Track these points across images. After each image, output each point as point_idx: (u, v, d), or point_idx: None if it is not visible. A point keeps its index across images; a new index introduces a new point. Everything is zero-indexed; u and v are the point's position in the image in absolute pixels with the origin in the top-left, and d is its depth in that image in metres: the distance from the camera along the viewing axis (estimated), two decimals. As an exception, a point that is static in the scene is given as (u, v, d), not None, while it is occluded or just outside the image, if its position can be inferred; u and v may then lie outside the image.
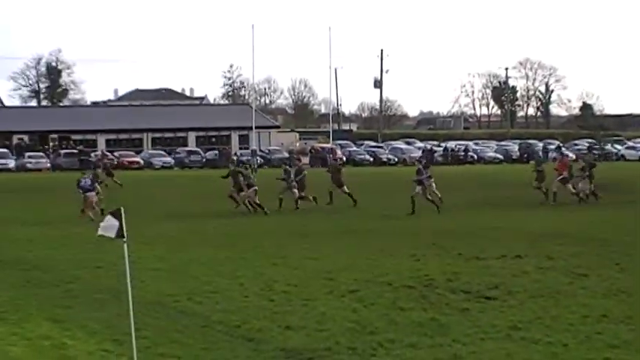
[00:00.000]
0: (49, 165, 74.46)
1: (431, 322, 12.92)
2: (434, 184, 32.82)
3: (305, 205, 32.97)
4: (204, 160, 78.56)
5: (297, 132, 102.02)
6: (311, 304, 14.34)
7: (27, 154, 76.36)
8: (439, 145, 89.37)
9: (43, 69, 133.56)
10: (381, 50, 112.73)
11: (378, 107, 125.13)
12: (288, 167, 35.38)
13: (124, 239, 10.48)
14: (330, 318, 13.25)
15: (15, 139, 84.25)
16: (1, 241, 23.37)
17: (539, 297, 14.66)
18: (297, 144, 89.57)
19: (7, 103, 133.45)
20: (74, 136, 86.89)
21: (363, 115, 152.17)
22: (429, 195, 31.40)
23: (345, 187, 34.33)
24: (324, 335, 12.20)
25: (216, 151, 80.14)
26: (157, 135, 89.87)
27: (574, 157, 39.36)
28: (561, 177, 34.36)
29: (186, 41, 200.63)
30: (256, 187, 31.71)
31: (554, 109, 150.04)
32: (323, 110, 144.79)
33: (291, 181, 33.29)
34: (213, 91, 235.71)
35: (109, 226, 10.54)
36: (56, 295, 15.37)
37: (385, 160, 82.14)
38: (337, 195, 34.08)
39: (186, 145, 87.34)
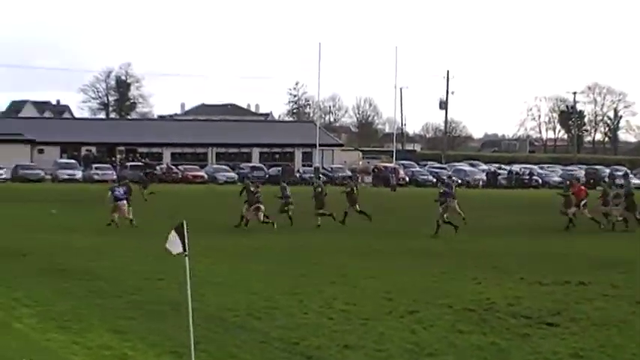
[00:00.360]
0: (115, 177, 75.48)
1: (490, 346, 12.76)
2: (457, 205, 32.71)
3: (360, 224, 32.96)
4: (267, 176, 79.01)
5: (361, 151, 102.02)
6: (370, 323, 14.27)
7: (94, 165, 77.51)
8: (502, 168, 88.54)
9: (113, 82, 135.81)
10: (447, 71, 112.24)
11: (442, 128, 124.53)
12: (285, 184, 35.59)
13: (186, 253, 10.55)
14: (389, 338, 13.17)
15: (83, 151, 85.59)
16: (66, 251, 23.72)
17: (602, 325, 14.39)
18: (360, 163, 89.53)
19: (76, 114, 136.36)
20: (140, 149, 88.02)
21: (427, 136, 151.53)
22: (447, 217, 31.09)
23: (357, 206, 34.43)
24: (383, 355, 12.12)
25: (279, 168, 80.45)
26: (222, 150, 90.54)
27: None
28: (582, 202, 34.17)
29: (253, 58, 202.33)
30: (259, 205, 31.80)
31: (623, 135, 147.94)
32: (387, 130, 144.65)
33: (287, 198, 33.44)
34: (278, 107, 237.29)
35: (175, 241, 10.63)
36: (118, 306, 15.54)
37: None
38: (399, 216, 33.95)
39: (250, 161, 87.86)
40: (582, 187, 36.34)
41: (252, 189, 32.76)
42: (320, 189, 34.31)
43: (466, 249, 26.23)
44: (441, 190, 32.35)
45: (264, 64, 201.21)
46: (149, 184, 49.21)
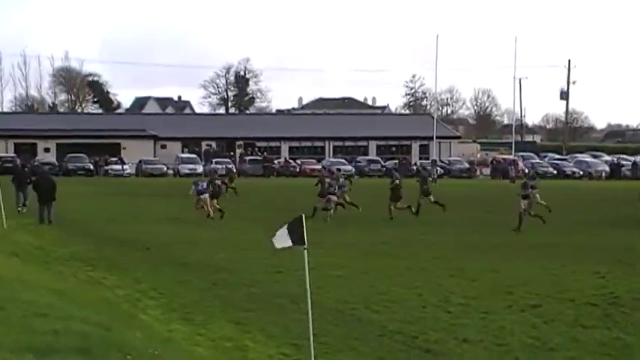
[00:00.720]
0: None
1: (615, 341, 12.46)
2: (538, 196, 32.37)
3: (488, 219, 32.58)
4: (384, 169, 78.91)
5: (479, 143, 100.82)
6: (489, 317, 14.12)
7: (214, 159, 78.85)
8: (626, 159, 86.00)
9: (232, 78, 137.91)
10: (569, 61, 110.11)
11: (563, 119, 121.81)
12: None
13: (305, 246, 10.60)
14: (509, 332, 13.01)
15: (204, 146, 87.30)
16: (187, 244, 24.24)
17: None
18: (479, 155, 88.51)
19: (197, 110, 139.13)
20: (259, 143, 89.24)
21: (547, 127, 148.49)
22: (532, 211, 30.36)
23: (431, 197, 34.52)
24: (502, 350, 11.98)
25: (396, 161, 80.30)
26: (339, 143, 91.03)
27: None
28: None
29: (369, 51, 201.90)
30: (330, 197, 32.66)
31: None
32: (506, 121, 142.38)
33: (335, 189, 33.58)
34: (395, 100, 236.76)
35: (281, 235, 10.68)
36: (238, 298, 15.81)
37: (569, 173, 79.82)
38: (519, 212, 33.44)
39: (366, 154, 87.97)
40: None
41: (327, 181, 33.89)
42: (398, 181, 34.28)
43: (585, 242, 25.63)
44: (525, 181, 31.75)
45: (381, 56, 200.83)
46: (234, 179, 49.46)
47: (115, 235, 26.09)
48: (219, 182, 37.22)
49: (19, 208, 33.62)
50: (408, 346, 12.25)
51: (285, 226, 10.65)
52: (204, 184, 33.83)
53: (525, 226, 28.87)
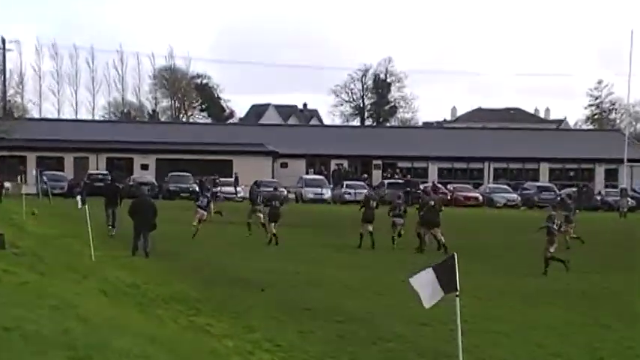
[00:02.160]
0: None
1: None
2: (571, 230, 33.86)
3: None
4: (558, 198, 77.72)
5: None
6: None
7: (345, 182, 79.01)
8: None
9: (370, 82, 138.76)
10: None
11: None
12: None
13: (457, 293, 10.54)
14: None
15: (333, 165, 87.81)
16: (309, 286, 24.42)
17: None
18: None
19: (326, 121, 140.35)
20: (401, 163, 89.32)
21: None
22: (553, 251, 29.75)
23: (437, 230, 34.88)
24: None
25: (574, 189, 78.81)
26: (501, 165, 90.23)
27: None
28: None
29: (541, 51, 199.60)
30: (399, 220, 35.83)
31: None
32: None
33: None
34: (574, 113, 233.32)
35: (427, 282, 10.55)
36: (372, 356, 15.84)
37: None
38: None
39: (536, 179, 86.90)
40: None
41: (371, 205, 36.73)
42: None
43: None
44: (550, 213, 30.97)
45: (556, 58, 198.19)
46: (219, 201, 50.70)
47: (223, 273, 26.52)
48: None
49: (109, 232, 34.94)
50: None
51: (431, 269, 10.55)
52: (205, 201, 39.24)
53: None
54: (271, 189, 72.78)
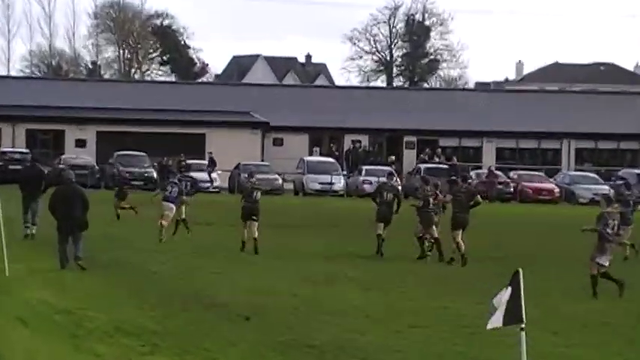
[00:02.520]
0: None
1: None
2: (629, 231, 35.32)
3: None
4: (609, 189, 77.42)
5: None
6: None
7: (364, 167, 78.66)
8: None
9: (401, 25, 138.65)
10: None
11: None
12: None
13: (522, 325, 10.62)
14: None
15: (347, 142, 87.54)
16: (319, 315, 24.44)
17: None
18: None
19: (337, 80, 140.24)
20: (443, 141, 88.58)
21: None
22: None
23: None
24: None
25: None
26: (586, 145, 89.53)
27: None
28: None
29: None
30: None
31: None
32: None
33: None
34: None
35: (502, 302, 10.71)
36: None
37: None
38: None
39: (636, 165, 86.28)
40: None
41: (386, 198, 37.14)
42: None
43: None
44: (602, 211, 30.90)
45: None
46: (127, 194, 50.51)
47: (193, 293, 26.56)
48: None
49: (27, 230, 34.93)
50: None
51: (509, 291, 10.71)
52: (175, 191, 40.28)
53: None
54: (268, 176, 73.19)
